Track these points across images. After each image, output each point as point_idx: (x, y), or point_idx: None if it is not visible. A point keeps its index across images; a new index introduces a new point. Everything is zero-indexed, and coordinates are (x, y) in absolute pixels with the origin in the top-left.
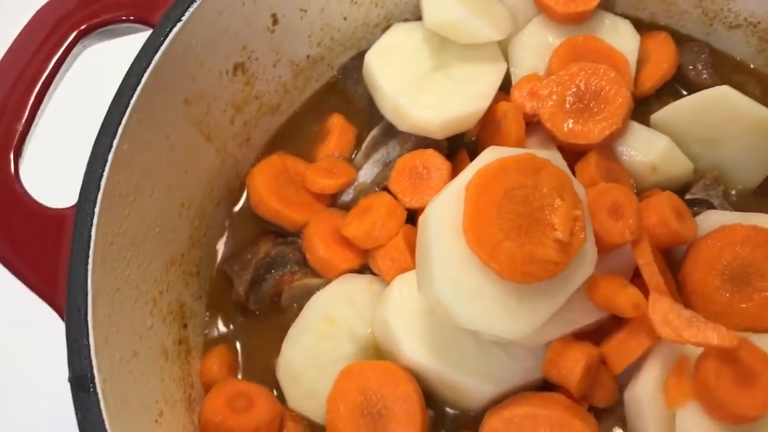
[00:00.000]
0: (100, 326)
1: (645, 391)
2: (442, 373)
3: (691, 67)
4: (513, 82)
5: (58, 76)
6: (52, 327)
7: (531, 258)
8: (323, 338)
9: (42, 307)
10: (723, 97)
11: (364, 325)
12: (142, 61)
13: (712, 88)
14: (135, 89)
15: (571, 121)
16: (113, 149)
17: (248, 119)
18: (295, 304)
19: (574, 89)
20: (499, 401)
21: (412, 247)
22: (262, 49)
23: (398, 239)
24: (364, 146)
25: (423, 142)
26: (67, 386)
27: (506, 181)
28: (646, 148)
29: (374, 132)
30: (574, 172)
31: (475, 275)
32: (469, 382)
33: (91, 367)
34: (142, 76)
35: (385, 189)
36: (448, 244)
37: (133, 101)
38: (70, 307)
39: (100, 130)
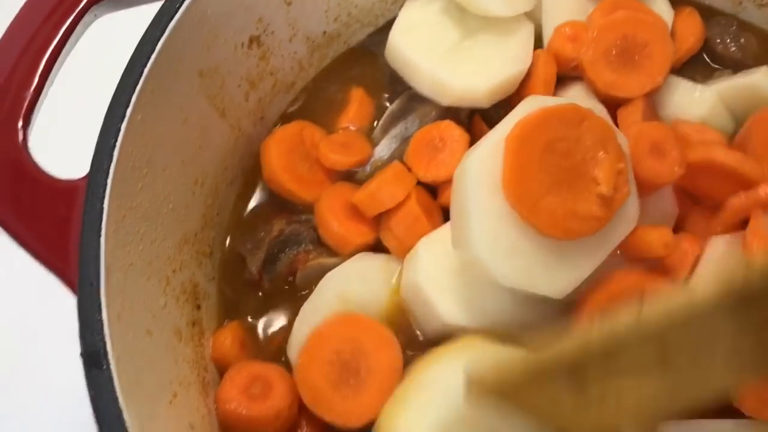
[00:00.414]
0: (113, 301)
1: None
2: (482, 333)
3: (718, 41)
4: (545, 40)
5: (68, 45)
6: (63, 303)
7: (573, 213)
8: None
9: (53, 283)
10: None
11: (377, 305)
12: (156, 30)
13: (750, 73)
14: (149, 58)
15: (612, 71)
16: (126, 119)
17: (262, 96)
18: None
19: (620, 38)
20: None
21: (427, 211)
22: (278, 22)
23: (412, 203)
24: (381, 121)
25: (444, 114)
26: (79, 365)
27: (548, 132)
28: (692, 103)
29: (392, 107)
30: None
31: (513, 231)
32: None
33: (104, 343)
34: (156, 44)
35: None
36: (485, 198)
37: (146, 70)
38: (83, 281)
39: (112, 99)
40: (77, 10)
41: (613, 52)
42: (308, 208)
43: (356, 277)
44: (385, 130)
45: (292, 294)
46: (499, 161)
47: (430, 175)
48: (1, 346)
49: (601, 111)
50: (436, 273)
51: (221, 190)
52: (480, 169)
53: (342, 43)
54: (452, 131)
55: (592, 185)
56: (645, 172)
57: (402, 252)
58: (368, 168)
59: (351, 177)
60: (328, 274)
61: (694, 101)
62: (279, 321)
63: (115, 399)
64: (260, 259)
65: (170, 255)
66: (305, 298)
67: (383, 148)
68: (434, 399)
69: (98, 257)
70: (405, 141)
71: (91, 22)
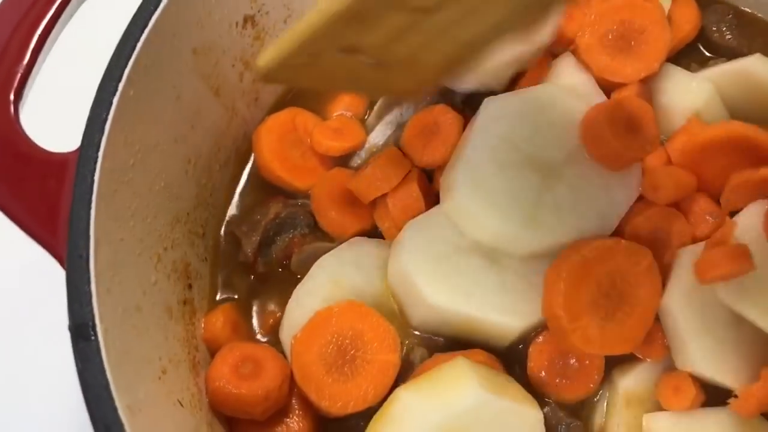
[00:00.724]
0: (102, 275)
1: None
2: (468, 315)
3: (714, 29)
4: None
5: (62, 19)
6: (52, 277)
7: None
8: (328, 301)
9: (43, 256)
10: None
11: (371, 290)
12: (150, 4)
13: (743, 59)
14: (142, 32)
15: (608, 55)
16: (118, 93)
17: (257, 77)
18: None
19: (618, 23)
20: (524, 337)
21: (424, 195)
22: (273, 2)
23: (413, 186)
24: (376, 108)
25: (438, 99)
26: (68, 338)
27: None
28: (689, 93)
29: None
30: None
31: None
32: (497, 320)
33: (92, 315)
34: (150, 19)
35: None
36: None
37: (139, 44)
38: (71, 253)
39: (105, 73)
40: None
41: (610, 36)
42: (304, 194)
43: (350, 262)
44: (380, 116)
45: (286, 278)
46: None
47: (425, 160)
48: None
49: (588, 84)
50: (421, 257)
51: (214, 171)
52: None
53: None
54: (446, 115)
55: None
56: (619, 143)
57: (395, 235)
58: (363, 154)
59: (345, 164)
60: (322, 258)
61: (691, 91)
62: (272, 304)
63: (103, 371)
64: (256, 241)
65: (162, 233)
66: (298, 282)
67: (378, 135)
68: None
69: (88, 230)
70: (400, 127)
71: None
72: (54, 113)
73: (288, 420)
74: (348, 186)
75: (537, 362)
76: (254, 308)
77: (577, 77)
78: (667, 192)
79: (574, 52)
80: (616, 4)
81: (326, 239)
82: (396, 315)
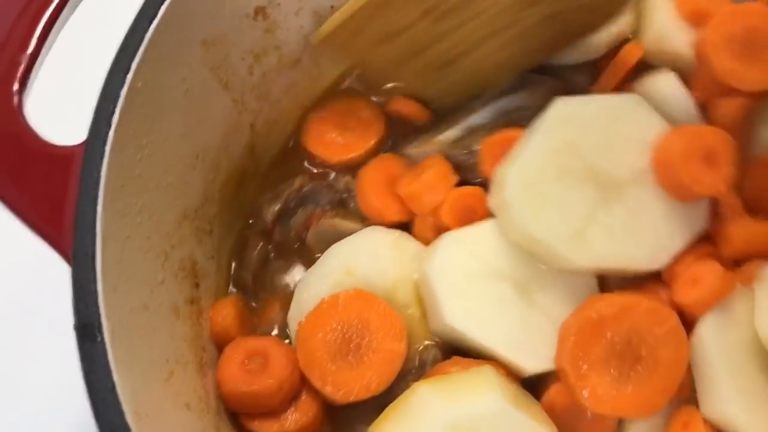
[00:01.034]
0: (109, 273)
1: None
2: (481, 345)
3: None
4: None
5: (69, 5)
6: (56, 274)
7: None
8: (339, 287)
9: (47, 253)
10: None
11: (383, 280)
12: None
13: None
14: (151, 22)
15: (734, 59)
16: (126, 85)
17: (267, 71)
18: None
19: (746, 29)
20: (536, 380)
21: (470, 209)
22: None
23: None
24: (484, 97)
25: (554, 91)
26: (73, 338)
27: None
28: None
29: (501, 85)
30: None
31: None
32: (509, 358)
33: (99, 315)
34: (159, 8)
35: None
36: None
37: (148, 35)
38: (78, 250)
39: (113, 64)
40: None
41: (737, 40)
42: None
43: (365, 250)
44: (487, 103)
45: (299, 256)
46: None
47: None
48: None
49: (687, 105)
50: (450, 272)
51: (223, 167)
52: None
53: None
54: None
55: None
56: (688, 174)
57: (426, 236)
58: (459, 131)
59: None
60: (336, 245)
61: None
62: (280, 287)
63: (109, 373)
64: (276, 209)
65: (169, 230)
66: (309, 263)
67: (480, 117)
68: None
69: (94, 227)
70: (506, 113)
71: None
72: (59, 105)
73: (297, 406)
74: (397, 191)
75: (550, 405)
76: (261, 296)
77: (678, 101)
78: (734, 247)
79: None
80: (747, 9)
81: (347, 219)
82: (407, 308)
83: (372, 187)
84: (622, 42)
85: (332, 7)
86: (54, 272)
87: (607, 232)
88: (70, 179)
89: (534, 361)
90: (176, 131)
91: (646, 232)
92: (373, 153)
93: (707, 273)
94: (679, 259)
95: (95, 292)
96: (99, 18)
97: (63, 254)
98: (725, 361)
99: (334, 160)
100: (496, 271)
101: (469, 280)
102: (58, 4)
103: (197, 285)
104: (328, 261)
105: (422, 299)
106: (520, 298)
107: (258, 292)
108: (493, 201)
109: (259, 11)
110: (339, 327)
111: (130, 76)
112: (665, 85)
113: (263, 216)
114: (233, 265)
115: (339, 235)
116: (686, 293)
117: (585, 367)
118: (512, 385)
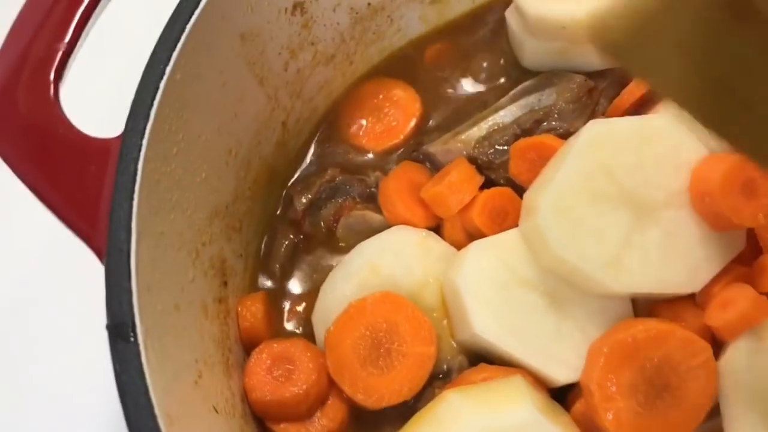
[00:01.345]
0: (143, 271)
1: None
2: (512, 356)
3: None
4: None
5: None
6: (89, 269)
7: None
8: (364, 287)
9: (80, 248)
10: None
11: (409, 280)
12: None
13: None
14: (192, 14)
15: None
16: (165, 78)
17: (302, 67)
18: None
19: None
20: (564, 389)
21: (502, 212)
22: None
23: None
24: (512, 93)
25: (582, 88)
26: (104, 336)
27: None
28: None
29: (527, 82)
30: None
31: None
32: (540, 369)
33: (132, 315)
34: (200, 1)
35: (527, 132)
36: None
37: (189, 27)
38: (112, 246)
39: (151, 56)
40: None
41: None
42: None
43: (391, 249)
44: (515, 100)
45: (328, 248)
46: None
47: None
48: (23, 315)
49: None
50: (479, 281)
51: (254, 164)
52: None
53: (385, 17)
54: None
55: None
56: (727, 205)
57: (456, 238)
58: (485, 127)
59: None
60: (361, 244)
61: None
62: (305, 284)
63: (142, 375)
64: (307, 200)
65: (201, 227)
66: (337, 256)
67: (507, 113)
68: None
69: (129, 222)
70: (535, 111)
71: None
72: (96, 96)
73: (324, 412)
74: (421, 195)
75: (578, 417)
76: (289, 291)
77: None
78: None
79: None
80: None
81: (379, 212)
82: (432, 310)
83: (397, 194)
84: None
85: (369, 4)
86: (83, 268)
87: (643, 256)
88: (105, 173)
89: (565, 371)
90: (211, 126)
91: (683, 256)
92: (415, 135)
93: (739, 297)
94: (713, 279)
95: (129, 290)
96: (138, 6)
97: (95, 250)
98: (755, 388)
99: (379, 148)
100: (525, 281)
101: (499, 289)
102: None
103: (225, 284)
104: (354, 260)
105: (448, 308)
106: (551, 307)
107: (285, 284)
108: (524, 226)
109: (297, 6)
110: (368, 332)
111: (169, 67)
112: None
113: (294, 206)
114: (262, 254)
115: (370, 227)
116: (717, 316)
117: (612, 389)
118: (543, 395)
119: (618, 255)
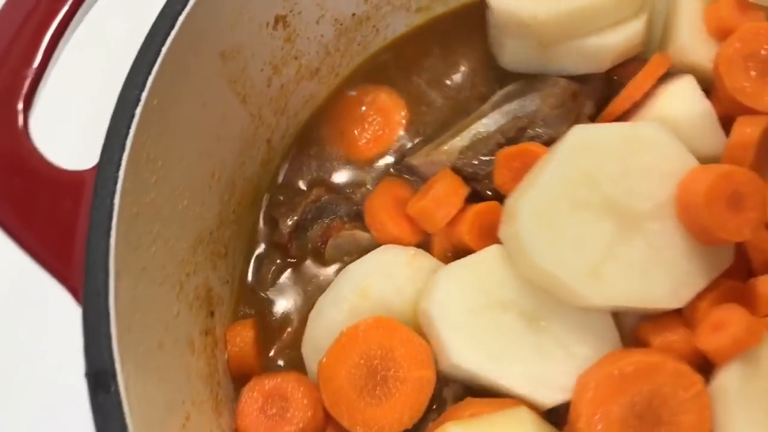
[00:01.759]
0: (123, 312)
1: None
2: (493, 382)
3: None
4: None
5: (78, 13)
6: (65, 310)
7: None
8: (355, 313)
9: (53, 287)
10: None
11: (400, 302)
12: (177, 3)
13: None
14: (168, 34)
15: (748, 77)
16: (141, 103)
17: (286, 83)
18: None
19: (765, 48)
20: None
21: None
22: (306, 1)
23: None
24: (493, 99)
25: (566, 92)
26: (83, 383)
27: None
28: None
29: (509, 87)
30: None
31: None
32: (524, 393)
33: (112, 361)
34: (177, 18)
35: (511, 140)
36: None
37: (165, 48)
38: (89, 289)
39: (126, 80)
40: None
41: (755, 59)
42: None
43: (379, 271)
44: (497, 106)
45: (316, 271)
46: None
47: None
48: None
49: (705, 110)
50: (452, 307)
51: (238, 185)
52: None
53: (371, 27)
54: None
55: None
56: (711, 218)
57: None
58: (468, 137)
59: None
60: (350, 266)
61: None
62: (294, 309)
63: (124, 427)
64: (293, 222)
65: (184, 257)
66: (326, 278)
67: (490, 121)
68: None
69: (107, 262)
70: (517, 118)
71: None
72: (68, 125)
73: None
74: (407, 211)
75: None
76: (277, 317)
77: (697, 106)
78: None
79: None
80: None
81: (368, 231)
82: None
83: (384, 212)
84: (632, 57)
85: (353, 14)
86: (60, 308)
87: (626, 268)
88: (80, 208)
89: (551, 394)
90: (193, 149)
91: (667, 269)
92: (402, 143)
93: (732, 320)
94: (701, 295)
95: (108, 335)
96: (113, 27)
97: (72, 290)
98: (747, 414)
99: (366, 158)
100: (500, 301)
101: (473, 315)
102: (67, 10)
103: (212, 314)
104: (342, 284)
105: (427, 337)
106: (529, 327)
107: (273, 310)
108: (504, 233)
109: (280, 20)
110: (362, 361)
111: (145, 93)
112: (685, 92)
113: (280, 229)
114: (249, 281)
115: (359, 247)
116: (708, 339)
117: (600, 426)
118: (547, 427)
119: (599, 266)
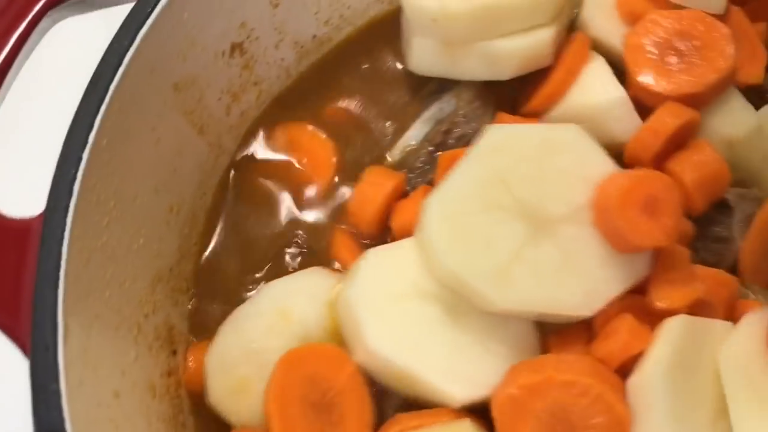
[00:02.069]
0: (72, 366)
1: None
2: (408, 371)
3: None
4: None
5: (20, 55)
6: (13, 365)
7: None
8: (271, 333)
9: (1, 341)
10: None
11: (320, 328)
12: (124, 39)
13: None
14: (116, 72)
15: (654, 62)
16: (89, 145)
17: (246, 109)
18: None
19: (673, 33)
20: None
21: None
22: (264, 27)
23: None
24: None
25: (483, 91)
26: None
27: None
28: (732, 118)
29: (422, 93)
30: None
31: None
32: (438, 385)
33: (62, 420)
34: (125, 55)
35: (440, 146)
36: None
37: (113, 86)
38: (36, 344)
39: (73, 122)
40: (32, 15)
41: (659, 45)
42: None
43: (304, 291)
44: (415, 118)
45: None
46: None
47: None
48: None
49: (620, 97)
50: (373, 293)
51: (199, 217)
52: None
53: (333, 47)
54: None
55: None
56: (625, 222)
57: None
58: (397, 153)
59: (380, 162)
60: (272, 283)
61: (738, 116)
62: None
63: None
64: None
65: (142, 297)
66: None
67: (416, 132)
68: None
69: (55, 315)
70: (439, 122)
71: (48, 28)
72: (12, 168)
73: None
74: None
75: None
76: None
77: (612, 93)
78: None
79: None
80: (678, 13)
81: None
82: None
83: (344, 248)
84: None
85: (314, 36)
86: (8, 363)
87: (535, 272)
88: (26, 257)
89: (465, 389)
90: (147, 186)
91: (580, 276)
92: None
93: (621, 327)
94: (613, 306)
95: (57, 392)
96: (57, 64)
97: (20, 344)
98: (668, 407)
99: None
100: (423, 291)
101: (393, 302)
102: (9, 51)
103: (174, 353)
104: (260, 301)
105: (343, 329)
106: (449, 320)
107: None
108: (416, 231)
109: (236, 47)
110: (305, 399)
111: (93, 134)
112: (598, 80)
113: None
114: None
115: None
116: (600, 346)
117: None
118: None
119: (507, 269)
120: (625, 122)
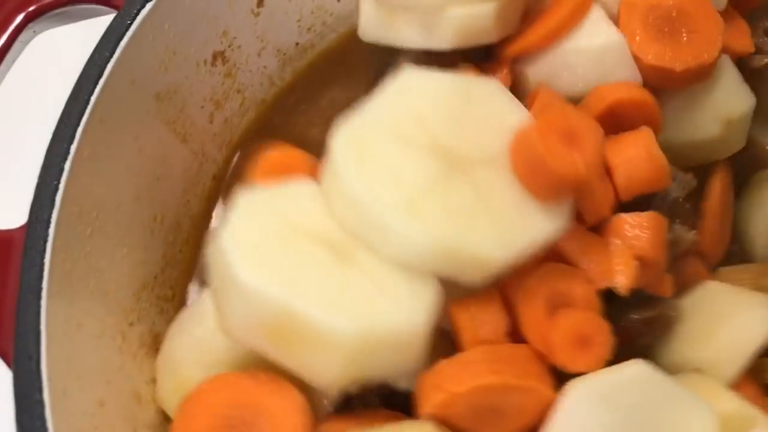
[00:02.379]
0: (56, 375)
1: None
2: (286, 307)
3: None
4: None
5: (1, 67)
6: None
7: None
8: (218, 333)
9: None
10: None
11: None
12: (105, 50)
13: None
14: (97, 83)
15: (642, 26)
16: (71, 156)
17: (230, 116)
18: None
19: (663, 9)
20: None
21: None
22: (246, 35)
23: None
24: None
25: (422, 60)
26: None
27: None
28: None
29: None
30: None
31: None
32: (320, 315)
33: (46, 429)
34: (105, 67)
35: None
36: None
37: (94, 97)
38: (19, 354)
39: (54, 134)
40: (13, 26)
41: (655, 10)
42: None
43: None
44: None
45: None
46: None
47: None
48: None
49: (617, 41)
50: (249, 230)
51: (184, 225)
52: None
53: (316, 54)
54: None
55: None
56: (545, 148)
57: None
58: None
59: None
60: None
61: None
62: None
63: None
64: None
65: (126, 306)
66: None
67: None
68: None
69: (38, 324)
70: None
71: (29, 40)
72: None
73: None
74: None
75: None
76: None
77: (609, 37)
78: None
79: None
80: None
81: None
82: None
83: None
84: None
85: (297, 44)
86: None
87: (446, 208)
88: (9, 268)
89: (352, 322)
90: (130, 195)
91: (493, 217)
92: None
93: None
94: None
95: (41, 402)
96: (39, 77)
97: (2, 354)
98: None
99: None
100: (309, 233)
101: (273, 240)
102: None
103: None
104: (206, 302)
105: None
106: (337, 259)
107: None
108: (323, 167)
109: (218, 56)
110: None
111: (74, 145)
112: (595, 22)
113: None
114: None
115: None
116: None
117: None
118: None
119: (417, 201)
120: (624, 67)
